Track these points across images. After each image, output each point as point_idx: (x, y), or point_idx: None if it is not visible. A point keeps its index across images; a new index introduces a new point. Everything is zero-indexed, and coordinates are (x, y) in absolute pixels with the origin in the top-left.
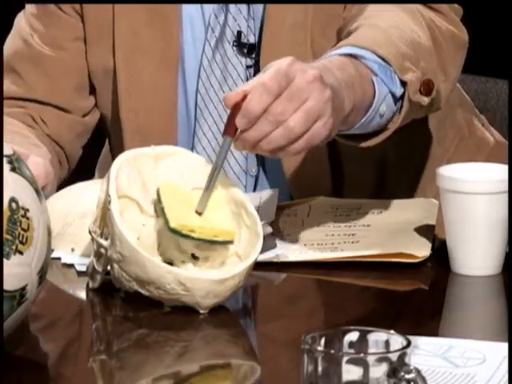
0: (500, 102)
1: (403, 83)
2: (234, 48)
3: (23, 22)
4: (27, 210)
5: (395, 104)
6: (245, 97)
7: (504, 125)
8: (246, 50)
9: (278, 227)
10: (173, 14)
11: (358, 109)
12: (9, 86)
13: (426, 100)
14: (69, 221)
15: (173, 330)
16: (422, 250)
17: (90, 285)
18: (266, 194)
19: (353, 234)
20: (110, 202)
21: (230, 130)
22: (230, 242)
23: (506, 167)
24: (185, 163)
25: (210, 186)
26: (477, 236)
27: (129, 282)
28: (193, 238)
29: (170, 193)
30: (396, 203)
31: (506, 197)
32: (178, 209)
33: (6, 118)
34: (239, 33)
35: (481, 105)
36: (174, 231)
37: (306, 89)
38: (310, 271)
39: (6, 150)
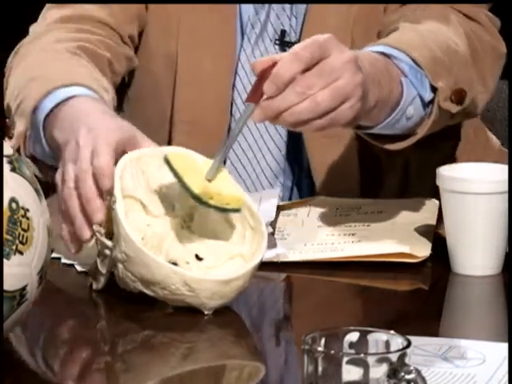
0: (500, 102)
1: (434, 89)
2: (276, 46)
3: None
4: (27, 210)
5: (424, 108)
6: (274, 64)
7: (504, 125)
8: (287, 49)
9: (278, 227)
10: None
11: (381, 106)
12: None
13: (456, 108)
14: None
15: (177, 331)
16: (422, 250)
17: (94, 286)
18: (266, 193)
19: (353, 234)
20: (114, 202)
21: (255, 96)
22: (238, 210)
23: (506, 167)
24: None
25: (223, 153)
26: (477, 236)
27: (133, 282)
28: (209, 205)
29: (179, 161)
30: (396, 203)
31: (506, 197)
32: (192, 176)
33: (73, 58)
34: (283, 31)
35: None
36: (196, 198)
37: (340, 68)
38: (310, 271)
39: (6, 150)
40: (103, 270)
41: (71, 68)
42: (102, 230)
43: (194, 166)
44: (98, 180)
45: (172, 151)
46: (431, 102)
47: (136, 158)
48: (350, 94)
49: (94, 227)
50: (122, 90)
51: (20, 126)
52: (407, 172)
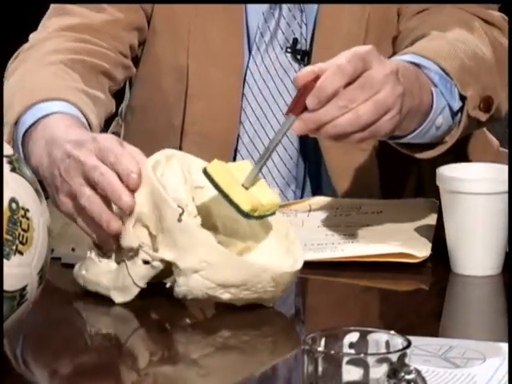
0: None
1: (462, 97)
2: (288, 54)
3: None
4: (27, 211)
5: (452, 117)
6: (316, 78)
7: (504, 125)
8: (299, 57)
9: None
10: (239, 10)
11: (412, 116)
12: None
13: (485, 116)
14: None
15: (254, 328)
16: (422, 250)
17: (120, 299)
18: None
19: (353, 234)
20: (181, 214)
21: (296, 109)
22: (274, 213)
23: (506, 167)
24: (186, 165)
25: (263, 162)
26: (477, 236)
27: (210, 289)
28: (255, 217)
29: (217, 172)
30: (396, 203)
31: (506, 197)
32: (233, 188)
33: (65, 71)
34: (295, 40)
35: None
36: (243, 213)
37: (381, 80)
38: (310, 271)
39: (6, 150)
40: (141, 282)
41: (58, 81)
42: (149, 244)
43: (230, 174)
44: (125, 179)
45: (208, 163)
46: (460, 110)
47: (155, 163)
48: (390, 106)
49: (139, 241)
50: (124, 99)
51: (5, 135)
52: (421, 175)
